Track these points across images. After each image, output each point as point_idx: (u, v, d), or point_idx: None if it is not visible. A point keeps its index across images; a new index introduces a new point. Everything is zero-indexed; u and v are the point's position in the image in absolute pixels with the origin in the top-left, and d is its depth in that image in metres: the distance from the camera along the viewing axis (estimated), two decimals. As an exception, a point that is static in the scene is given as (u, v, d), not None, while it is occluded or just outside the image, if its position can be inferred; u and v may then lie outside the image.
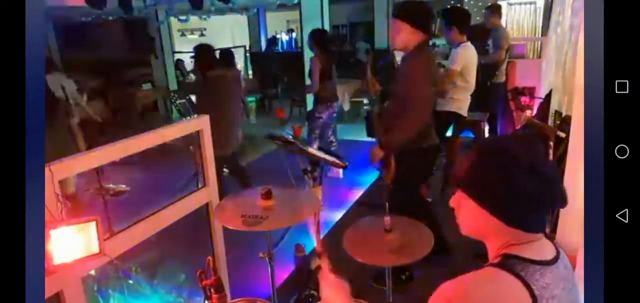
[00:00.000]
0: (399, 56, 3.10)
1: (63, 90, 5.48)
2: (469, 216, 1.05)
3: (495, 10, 5.55)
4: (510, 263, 0.96)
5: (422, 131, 2.62)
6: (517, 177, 0.94)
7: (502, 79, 5.42)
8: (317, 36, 4.86)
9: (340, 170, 5.24)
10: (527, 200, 0.96)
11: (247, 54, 12.24)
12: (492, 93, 5.29)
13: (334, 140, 5.30)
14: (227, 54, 5.10)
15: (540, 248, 1.00)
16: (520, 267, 0.95)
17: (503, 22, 10.41)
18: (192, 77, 8.98)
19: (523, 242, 0.99)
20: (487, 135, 5.13)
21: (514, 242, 0.99)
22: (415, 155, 2.72)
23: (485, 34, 5.42)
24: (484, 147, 1.06)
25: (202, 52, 3.92)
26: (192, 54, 4.08)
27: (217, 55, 4.44)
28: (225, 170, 4.09)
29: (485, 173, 1.00)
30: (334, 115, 5.17)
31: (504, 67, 5.39)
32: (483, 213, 1.00)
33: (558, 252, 1.03)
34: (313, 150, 2.77)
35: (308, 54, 5.40)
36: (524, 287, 0.92)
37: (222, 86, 3.82)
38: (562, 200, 0.99)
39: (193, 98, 5.80)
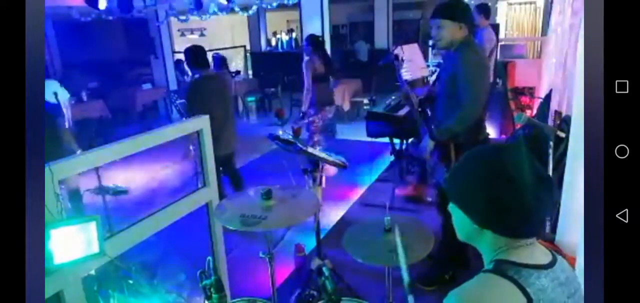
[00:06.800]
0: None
1: (55, 96, 5.48)
2: (460, 224, 1.07)
3: (482, 10, 5.38)
4: (503, 268, 0.97)
5: (477, 124, 2.59)
6: (498, 189, 0.95)
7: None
8: (311, 40, 4.89)
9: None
10: (511, 211, 0.96)
11: (247, 54, 12.24)
12: None
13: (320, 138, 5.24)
14: (219, 58, 5.07)
15: (533, 252, 1.01)
16: (513, 270, 0.95)
17: (503, 22, 10.43)
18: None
19: (514, 247, 1.00)
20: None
21: (506, 248, 1.00)
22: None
23: None
24: (467, 159, 1.06)
25: (192, 53, 3.80)
26: (183, 56, 3.97)
27: (210, 59, 4.35)
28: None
29: (469, 185, 1.02)
30: (327, 120, 5.16)
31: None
32: (472, 223, 1.02)
33: (554, 257, 1.03)
34: (313, 150, 2.77)
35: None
36: (519, 290, 0.92)
37: (211, 88, 3.74)
38: (551, 207, 0.99)
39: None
